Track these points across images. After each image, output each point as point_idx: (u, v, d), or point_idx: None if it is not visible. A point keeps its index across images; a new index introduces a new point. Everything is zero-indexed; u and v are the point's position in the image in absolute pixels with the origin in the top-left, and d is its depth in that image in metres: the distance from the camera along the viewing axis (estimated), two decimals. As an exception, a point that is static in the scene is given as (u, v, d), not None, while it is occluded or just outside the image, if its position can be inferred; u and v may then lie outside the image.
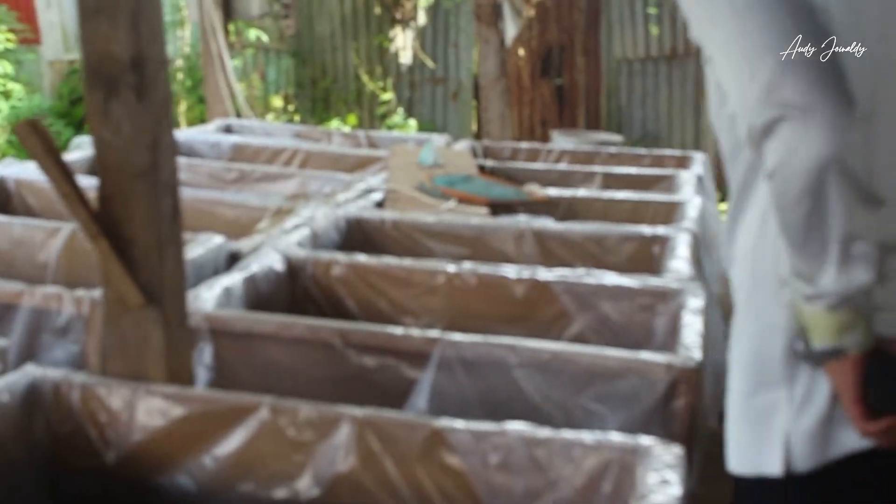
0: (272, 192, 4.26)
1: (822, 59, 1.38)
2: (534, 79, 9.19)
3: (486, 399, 2.25)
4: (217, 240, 2.98)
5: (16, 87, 9.20)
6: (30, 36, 10.17)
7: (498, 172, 4.73)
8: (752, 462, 1.63)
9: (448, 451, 1.79)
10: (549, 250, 3.46)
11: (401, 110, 9.43)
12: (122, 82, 1.84)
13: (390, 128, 9.11)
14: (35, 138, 1.81)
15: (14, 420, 1.88)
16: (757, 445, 1.62)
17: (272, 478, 1.86)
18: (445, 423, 1.82)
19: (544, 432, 1.78)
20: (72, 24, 10.48)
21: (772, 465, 1.57)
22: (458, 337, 2.29)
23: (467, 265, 2.94)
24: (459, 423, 1.81)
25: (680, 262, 3.02)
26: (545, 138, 9.05)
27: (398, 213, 3.62)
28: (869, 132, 1.48)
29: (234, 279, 2.71)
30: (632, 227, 3.47)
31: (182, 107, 9.28)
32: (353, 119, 9.23)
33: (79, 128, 9.89)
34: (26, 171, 3.92)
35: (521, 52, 9.01)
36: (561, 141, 6.81)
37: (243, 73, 9.38)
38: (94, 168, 1.92)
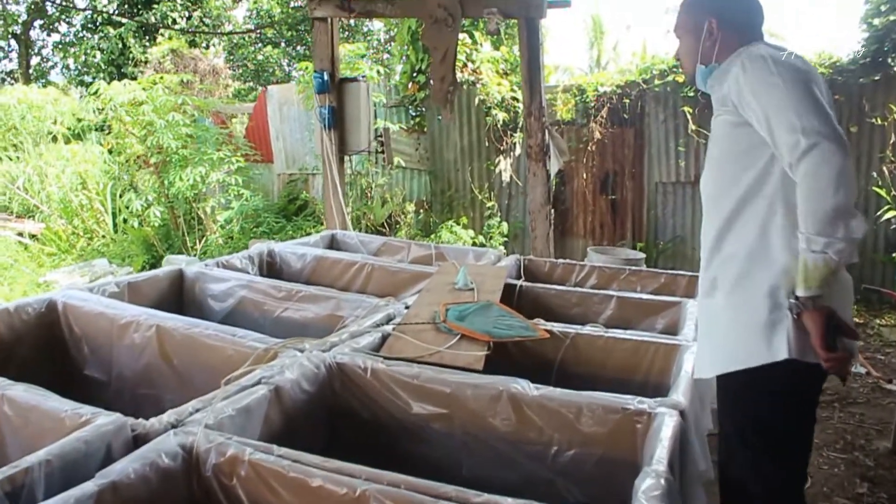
0: (310, 311, 2.91)
1: (831, 118, 1.56)
2: (595, 195, 7.57)
3: None
4: (113, 420, 1.55)
5: (246, 192, 8.16)
6: (263, 158, 9.29)
7: (523, 294, 3.23)
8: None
9: None
10: (524, 416, 1.96)
11: (499, 214, 7.92)
12: None
13: (490, 227, 7.69)
14: None
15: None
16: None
17: None
18: None
19: None
20: (291, 150, 9.49)
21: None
22: None
23: (382, 476, 1.44)
24: None
25: (659, 466, 1.48)
26: (602, 236, 7.60)
27: (381, 363, 2.13)
28: None
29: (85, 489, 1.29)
30: (615, 398, 1.91)
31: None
32: (465, 219, 7.86)
33: (289, 220, 8.88)
34: (74, 296, 2.65)
35: (586, 175, 7.44)
36: (594, 257, 5.15)
37: (390, 187, 8.15)
38: None
